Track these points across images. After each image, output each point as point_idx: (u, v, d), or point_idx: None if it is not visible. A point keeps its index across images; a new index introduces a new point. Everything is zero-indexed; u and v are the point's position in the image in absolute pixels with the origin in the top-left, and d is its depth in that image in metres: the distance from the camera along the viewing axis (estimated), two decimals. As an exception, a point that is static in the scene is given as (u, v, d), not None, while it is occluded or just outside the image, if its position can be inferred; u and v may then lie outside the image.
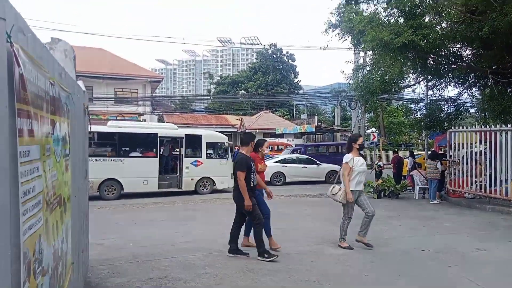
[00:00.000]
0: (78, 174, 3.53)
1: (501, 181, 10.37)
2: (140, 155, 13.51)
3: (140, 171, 13.02)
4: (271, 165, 17.30)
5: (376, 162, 15.24)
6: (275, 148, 26.99)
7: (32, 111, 1.71)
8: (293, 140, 30.66)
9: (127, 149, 13.40)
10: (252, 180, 5.74)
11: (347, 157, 6.48)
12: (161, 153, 14.03)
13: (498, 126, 10.72)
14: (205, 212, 10.35)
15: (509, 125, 10.30)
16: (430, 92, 18.83)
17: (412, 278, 4.91)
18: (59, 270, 2.28)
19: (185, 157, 13.89)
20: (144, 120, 30.91)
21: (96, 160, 12.36)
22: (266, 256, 5.48)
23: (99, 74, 34.14)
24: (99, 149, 13.19)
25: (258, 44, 75.27)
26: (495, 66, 13.33)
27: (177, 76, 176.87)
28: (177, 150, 14.70)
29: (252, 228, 5.81)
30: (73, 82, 3.40)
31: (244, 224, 6.18)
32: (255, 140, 6.24)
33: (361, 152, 6.90)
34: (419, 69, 14.73)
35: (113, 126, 13.56)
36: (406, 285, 4.70)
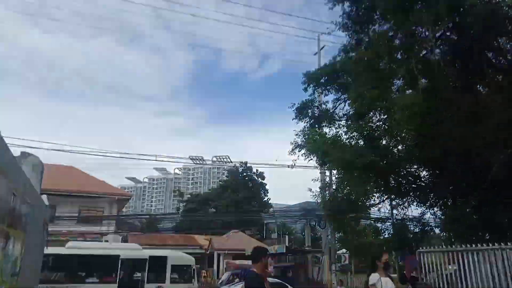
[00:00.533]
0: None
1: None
2: (97, 280, 12.44)
3: None
4: (237, 290, 16.22)
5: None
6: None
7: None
8: (263, 261, 29.36)
9: (84, 274, 12.38)
10: None
11: (374, 278, 5.53)
12: (121, 277, 12.96)
13: (463, 246, 10.83)
14: None
15: (473, 245, 10.43)
16: (395, 211, 19.35)
17: None
18: None
19: (147, 282, 12.87)
20: (106, 241, 29.31)
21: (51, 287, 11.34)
22: None
23: (65, 192, 33.33)
24: (54, 275, 12.21)
25: (229, 162, 77.72)
26: (452, 187, 14.08)
27: (147, 193, 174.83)
28: (138, 274, 13.66)
29: None
30: (36, 195, 3.34)
31: None
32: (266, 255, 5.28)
33: (388, 272, 6.00)
34: (382, 189, 15.39)
35: (72, 248, 12.74)
36: None
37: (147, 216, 68.20)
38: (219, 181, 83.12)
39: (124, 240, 34.58)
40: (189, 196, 70.44)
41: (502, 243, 9.85)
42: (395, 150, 14.17)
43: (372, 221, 27.10)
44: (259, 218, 49.50)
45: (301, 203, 51.94)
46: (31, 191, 2.93)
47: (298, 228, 55.56)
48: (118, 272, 12.63)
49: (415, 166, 15.49)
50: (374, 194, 17.13)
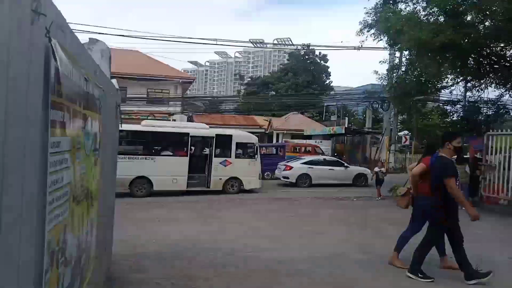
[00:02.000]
0: (107, 170, 3.66)
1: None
2: (171, 154, 13.77)
3: (170, 170, 13.26)
4: (297, 167, 17.23)
5: (379, 169, 14.16)
6: (303, 149, 26.79)
7: (65, 104, 1.79)
8: (321, 142, 30.28)
9: (159, 148, 13.71)
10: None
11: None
12: (191, 152, 14.27)
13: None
14: (230, 212, 10.41)
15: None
16: (468, 93, 18.14)
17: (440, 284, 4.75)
18: (82, 262, 2.37)
19: (214, 156, 14.05)
20: (174, 120, 31.56)
21: (128, 158, 12.77)
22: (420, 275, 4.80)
23: (133, 75, 35.25)
24: (132, 147, 13.55)
25: (290, 45, 74.82)
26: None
27: (208, 77, 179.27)
28: (206, 149, 14.90)
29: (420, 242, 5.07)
30: (107, 80, 3.54)
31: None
32: (456, 138, 4.99)
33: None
34: (458, 70, 14.21)
35: (147, 125, 13.92)
36: None
37: (210, 98, 71.03)
38: (280, 64, 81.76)
39: (190, 120, 37.06)
40: (249, 79, 70.99)
41: None
42: (481, 26, 12.49)
43: (441, 104, 25.77)
44: (319, 100, 49.27)
45: (365, 86, 50.17)
46: (101, 76, 3.08)
47: (359, 110, 54.95)
48: (189, 147, 13.79)
49: (502, 44, 13.78)
50: (448, 75, 16.00)
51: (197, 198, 12.86)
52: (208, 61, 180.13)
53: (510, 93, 16.18)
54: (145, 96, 35.62)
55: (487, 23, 12.98)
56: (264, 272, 5.05)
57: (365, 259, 5.89)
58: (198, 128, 14.95)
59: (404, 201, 5.85)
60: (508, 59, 14.42)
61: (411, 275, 4.94)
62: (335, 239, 7.21)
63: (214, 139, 14.08)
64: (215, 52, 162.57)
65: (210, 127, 15.90)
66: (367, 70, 53.36)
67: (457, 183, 4.77)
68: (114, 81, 4.32)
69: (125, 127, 14.59)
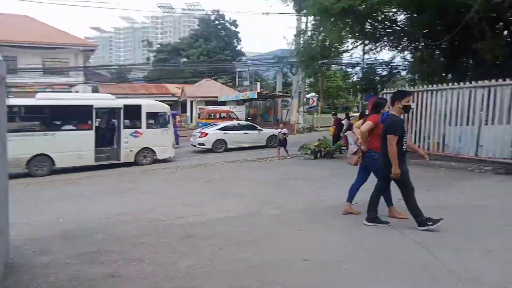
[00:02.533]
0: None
1: (424, 137, 11.23)
2: (74, 128, 12.80)
3: (74, 145, 12.41)
4: (212, 133, 17.26)
5: (280, 131, 14.35)
6: (217, 115, 26.78)
7: None
8: (235, 107, 30.55)
9: (59, 122, 12.62)
10: (404, 145, 5.07)
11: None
12: (97, 125, 13.34)
13: (425, 87, 11.42)
14: (142, 182, 10.09)
15: (434, 86, 11.01)
16: (366, 56, 19.59)
17: (344, 232, 5.21)
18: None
19: (124, 128, 13.39)
20: (77, 92, 28.98)
21: (23, 135, 11.66)
22: (430, 223, 4.95)
23: (24, 43, 31.11)
24: (28, 124, 12.37)
25: (200, 10, 72.47)
26: (426, 30, 14.04)
27: (114, 44, 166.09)
28: (114, 121, 14.06)
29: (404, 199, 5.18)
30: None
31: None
32: (405, 97, 5.19)
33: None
34: (357, 34, 15.13)
35: (43, 99, 12.60)
36: (337, 239, 4.97)
37: (117, 67, 66.35)
38: (190, 30, 78.80)
39: (95, 91, 34.38)
40: (158, 46, 67.52)
41: (461, 83, 10.37)
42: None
43: (343, 67, 27.48)
44: (231, 66, 49.10)
45: (274, 51, 51.08)
46: None
47: (270, 75, 56.18)
48: (93, 120, 12.87)
49: (394, 10, 14.96)
50: (348, 40, 17.00)
51: (108, 172, 12.25)
52: (113, 27, 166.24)
53: (401, 54, 17.86)
54: (41, 66, 31.84)
55: None
56: (181, 238, 5.02)
57: (278, 213, 6.19)
58: (104, 99, 13.96)
59: (354, 159, 6.12)
60: (399, 23, 15.76)
61: (368, 223, 5.32)
62: (251, 199, 7.43)
63: (122, 110, 13.34)
64: (120, 17, 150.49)
65: (118, 97, 14.90)
66: (277, 35, 54.30)
67: (405, 141, 5.08)
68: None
69: (17, 101, 12.97)
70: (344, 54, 20.70)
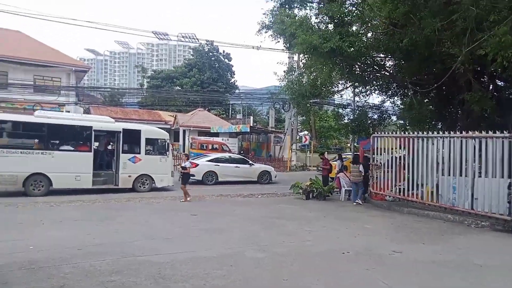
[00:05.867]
0: None
1: (417, 185, 11.04)
2: (72, 149, 12.48)
3: (72, 166, 12.11)
4: (203, 164, 16.93)
5: (182, 164, 12.73)
6: (210, 147, 26.55)
7: None
8: (227, 140, 30.40)
9: (57, 141, 12.35)
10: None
11: None
12: (95, 147, 13.02)
13: (415, 133, 11.42)
14: (127, 211, 9.67)
15: (425, 133, 11.00)
16: (356, 98, 19.84)
17: (330, 282, 4.87)
18: None
19: (122, 152, 13.08)
20: (68, 111, 28.62)
21: (21, 152, 11.46)
22: None
23: (15, 59, 30.99)
24: (26, 141, 12.07)
25: (194, 40, 74.04)
26: (414, 78, 14.31)
27: (109, 68, 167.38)
28: (112, 145, 13.82)
29: None
30: None
31: None
32: None
33: None
34: (346, 75, 15.37)
35: (42, 117, 12.32)
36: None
37: (109, 89, 66.39)
38: (184, 59, 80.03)
39: (86, 112, 33.99)
40: (152, 72, 68.08)
41: (451, 132, 10.39)
42: (364, 38, 13.73)
43: (334, 107, 27.83)
44: (224, 98, 49.54)
45: (268, 87, 51.88)
46: None
47: (263, 110, 56.70)
48: (92, 142, 12.61)
49: (382, 55, 15.33)
50: (339, 81, 17.26)
51: (96, 197, 11.83)
52: (108, 50, 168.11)
53: (390, 99, 18.13)
54: (31, 83, 31.54)
55: (369, 35, 14.31)
56: (154, 279, 4.62)
57: (262, 257, 5.83)
58: (102, 121, 13.65)
59: None
60: (387, 68, 16.07)
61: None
62: (235, 237, 7.08)
63: (121, 133, 13.11)
64: (116, 41, 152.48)
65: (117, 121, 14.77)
66: (270, 71, 55.24)
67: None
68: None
69: (16, 117, 12.84)
70: (335, 95, 21.03)
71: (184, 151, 33.27)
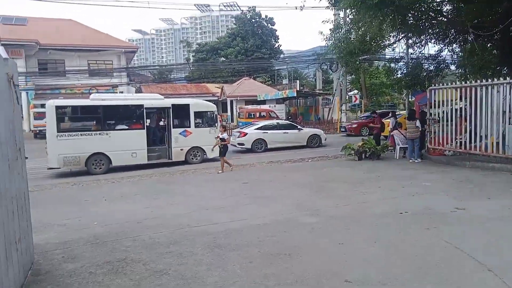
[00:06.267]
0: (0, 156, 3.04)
1: (480, 137, 10.23)
2: (127, 127, 13.10)
3: (128, 144, 12.71)
4: (251, 132, 16.98)
5: (220, 135, 11.96)
6: (257, 115, 26.53)
7: None
8: (275, 106, 30.16)
9: (113, 122, 13.00)
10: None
11: None
12: (147, 124, 13.58)
13: (478, 81, 10.44)
14: (182, 183, 9.98)
15: (489, 80, 10.02)
16: (410, 50, 18.46)
17: (389, 244, 4.68)
18: None
19: (173, 127, 13.53)
20: (121, 92, 29.94)
21: (81, 135, 12.17)
22: None
23: (70, 46, 32.64)
24: (84, 124, 12.83)
25: (236, 8, 72.73)
26: (476, 21, 12.92)
27: (156, 46, 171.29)
28: (163, 120, 14.32)
29: None
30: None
31: None
32: None
33: None
34: (399, 26, 14.24)
35: (97, 99, 13.00)
36: (381, 252, 4.46)
37: (158, 67, 68.14)
38: (227, 29, 79.35)
39: (138, 91, 35.35)
40: (197, 46, 68.52)
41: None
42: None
43: (385, 62, 26.25)
44: (269, 64, 48.78)
45: (313, 48, 50.15)
46: None
47: (309, 72, 55.23)
48: (145, 119, 13.23)
49: (438, 0, 13.91)
50: (390, 33, 16.09)
51: (152, 171, 12.34)
52: (154, 29, 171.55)
53: (448, 47, 16.62)
54: (86, 68, 33.25)
55: None
56: (210, 248, 4.73)
57: (316, 221, 5.74)
58: (152, 99, 14.15)
59: None
60: (445, 14, 14.62)
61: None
62: (287, 203, 7.03)
63: (171, 109, 13.52)
64: (160, 19, 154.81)
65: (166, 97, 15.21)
66: (315, 32, 53.06)
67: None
68: (0, 48, 3.58)
69: (73, 102, 13.93)
70: (386, 49, 19.72)
71: (232, 121, 33.72)
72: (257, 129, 17.33)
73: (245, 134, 16.95)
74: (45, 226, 6.04)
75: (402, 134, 12.92)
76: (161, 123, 14.63)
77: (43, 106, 19.99)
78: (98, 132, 12.51)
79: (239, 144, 16.95)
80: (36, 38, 30.10)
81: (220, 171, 11.46)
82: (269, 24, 59.19)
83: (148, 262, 4.29)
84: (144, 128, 13.14)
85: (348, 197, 7.42)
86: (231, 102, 36.29)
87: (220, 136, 11.83)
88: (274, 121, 19.42)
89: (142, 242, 5.07)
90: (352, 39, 15.56)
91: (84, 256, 4.60)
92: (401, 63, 19.44)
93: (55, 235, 5.56)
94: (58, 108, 12.17)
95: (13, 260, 3.31)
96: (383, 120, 16.23)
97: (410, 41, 17.35)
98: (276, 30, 60.33)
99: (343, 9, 16.62)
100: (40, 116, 23.86)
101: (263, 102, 32.54)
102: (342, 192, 7.92)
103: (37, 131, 25.47)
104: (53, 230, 5.92)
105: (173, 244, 4.92)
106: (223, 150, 11.72)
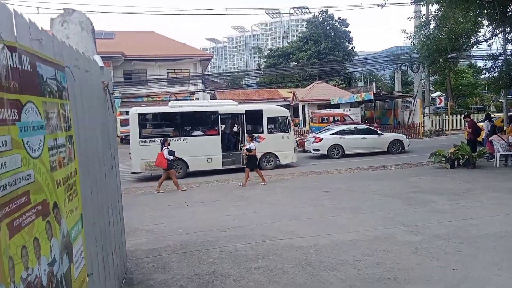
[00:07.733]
0: (97, 164, 2.99)
1: None
2: (202, 133, 13.44)
3: (203, 150, 13.00)
4: (327, 138, 16.36)
5: (246, 146, 11.13)
6: (331, 119, 25.70)
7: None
8: (349, 110, 29.00)
9: (190, 128, 13.41)
10: None
11: None
12: (222, 130, 13.80)
13: None
14: (258, 189, 9.79)
15: None
16: (509, 46, 16.46)
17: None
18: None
19: (246, 133, 13.57)
20: (197, 99, 31.10)
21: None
22: None
23: (151, 57, 34.80)
24: (163, 130, 13.33)
25: (307, 12, 71.96)
26: None
27: (228, 53, 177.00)
28: (237, 126, 14.46)
29: None
30: (77, 55, 2.79)
31: None
32: None
33: None
34: (496, 20, 12.73)
35: (175, 106, 13.55)
36: (510, 283, 3.71)
37: (231, 74, 69.97)
38: (298, 33, 78.94)
39: (212, 97, 36.48)
40: (268, 51, 69.11)
41: None
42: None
43: (478, 59, 23.83)
44: (343, 67, 47.34)
45: (389, 49, 47.73)
46: (59, 47, 2.32)
47: (385, 74, 52.60)
48: (219, 125, 13.49)
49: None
50: (485, 27, 14.49)
51: (228, 176, 12.36)
52: (226, 37, 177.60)
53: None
54: (165, 77, 35.21)
55: None
56: (301, 265, 4.36)
57: (419, 240, 5.08)
58: (227, 105, 14.39)
59: None
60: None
61: None
62: (378, 216, 6.42)
63: (244, 115, 13.62)
64: (232, 27, 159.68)
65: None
66: (391, 32, 50.47)
67: None
68: (97, 57, 3.59)
69: (153, 109, 14.70)
70: (476, 46, 17.84)
71: (304, 126, 33.14)
72: (333, 134, 16.65)
73: (321, 139, 16.36)
74: (133, 231, 6.18)
75: (504, 140, 11.42)
76: (235, 128, 14.75)
77: (127, 113, 21.43)
78: (176, 138, 12.89)
79: (314, 150, 16.42)
80: (122, 50, 32.55)
81: (242, 184, 10.44)
82: (342, 26, 57.57)
83: (238, 278, 4.05)
84: (219, 134, 13.32)
85: (449, 211, 6.56)
86: (303, 106, 35.76)
87: (247, 147, 10.94)
88: (352, 126, 18.54)
89: (228, 254, 4.88)
90: (442, 36, 14.27)
91: (173, 267, 4.52)
92: (498, 60, 17.42)
93: (144, 241, 5.63)
94: (140, 115, 12.81)
95: (109, 271, 3.26)
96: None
97: (510, 35, 15.46)
98: (350, 32, 58.46)
99: (432, 4, 15.25)
100: (125, 122, 25.61)
101: (337, 106, 31.50)
102: (441, 205, 7.05)
103: (123, 137, 27.41)
104: (141, 235, 6.02)
105: (261, 258, 4.65)
106: (250, 162, 10.73)
